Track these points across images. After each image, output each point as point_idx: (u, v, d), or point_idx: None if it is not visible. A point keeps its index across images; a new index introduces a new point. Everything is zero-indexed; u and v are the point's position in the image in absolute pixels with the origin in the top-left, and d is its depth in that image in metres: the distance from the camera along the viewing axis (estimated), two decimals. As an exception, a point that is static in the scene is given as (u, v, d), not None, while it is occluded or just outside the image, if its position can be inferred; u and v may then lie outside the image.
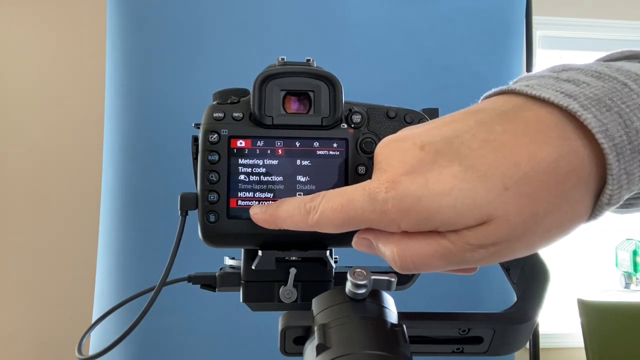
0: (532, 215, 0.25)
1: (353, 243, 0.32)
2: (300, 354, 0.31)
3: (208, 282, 0.42)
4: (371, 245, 0.31)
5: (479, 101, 0.30)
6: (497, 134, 0.26)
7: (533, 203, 0.25)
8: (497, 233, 0.26)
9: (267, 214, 0.34)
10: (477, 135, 0.26)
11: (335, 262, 0.39)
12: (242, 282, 0.39)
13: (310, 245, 0.37)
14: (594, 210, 0.27)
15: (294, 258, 0.37)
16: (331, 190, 0.31)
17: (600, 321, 1.57)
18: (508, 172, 0.25)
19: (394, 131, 0.38)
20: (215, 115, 0.37)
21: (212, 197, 0.36)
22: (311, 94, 0.37)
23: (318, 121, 0.37)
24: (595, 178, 0.26)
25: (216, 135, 0.36)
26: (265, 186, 0.36)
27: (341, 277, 0.34)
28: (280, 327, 0.31)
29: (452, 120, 0.28)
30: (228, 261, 0.42)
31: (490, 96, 0.30)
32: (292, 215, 0.32)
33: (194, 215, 0.37)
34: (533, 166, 0.25)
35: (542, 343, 1.39)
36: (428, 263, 0.28)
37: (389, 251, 0.29)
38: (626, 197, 0.26)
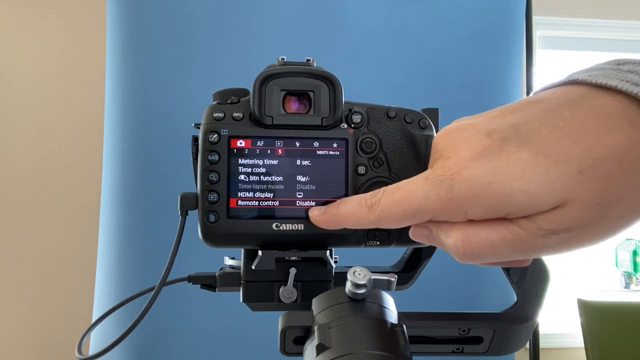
0: (607, 199, 0.25)
1: (410, 232, 0.32)
2: (300, 354, 0.31)
3: (208, 282, 0.42)
4: (430, 235, 0.30)
5: (530, 95, 0.30)
6: (566, 120, 0.26)
7: (607, 187, 0.25)
8: (571, 217, 0.26)
9: (327, 214, 0.34)
10: (545, 122, 0.27)
11: (335, 262, 0.39)
12: (242, 282, 0.39)
13: (310, 245, 0.37)
14: None
15: (294, 258, 0.37)
16: (391, 185, 0.30)
17: (600, 321, 1.57)
18: (582, 156, 0.25)
19: (394, 131, 0.38)
20: (215, 115, 0.37)
21: (212, 197, 0.36)
22: (311, 94, 0.37)
23: (318, 121, 0.37)
24: None
25: (216, 135, 0.36)
26: (265, 186, 0.36)
27: (341, 277, 0.34)
28: (280, 327, 0.31)
29: (514, 109, 0.28)
30: (228, 261, 0.42)
31: (545, 90, 0.30)
32: (353, 212, 0.32)
33: (194, 215, 0.37)
34: (606, 151, 0.25)
35: (542, 343, 1.39)
36: (495, 250, 0.27)
37: (452, 239, 0.28)
38: None
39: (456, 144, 0.28)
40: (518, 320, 0.33)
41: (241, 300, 0.39)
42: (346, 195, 0.36)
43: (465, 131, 0.29)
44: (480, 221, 0.28)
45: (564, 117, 0.26)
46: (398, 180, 0.31)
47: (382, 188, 0.31)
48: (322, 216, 0.35)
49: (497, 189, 0.26)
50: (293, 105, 0.37)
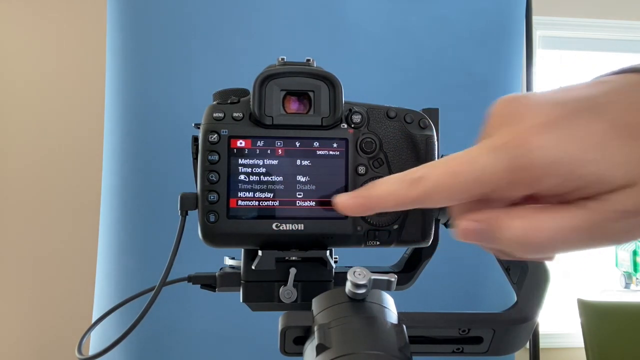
0: None
1: (460, 231, 0.27)
2: (300, 354, 0.31)
3: (208, 282, 0.42)
4: (483, 233, 0.26)
5: (594, 79, 0.29)
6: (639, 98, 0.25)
7: None
8: None
9: (359, 197, 0.30)
10: (619, 99, 0.25)
11: (335, 262, 0.39)
12: (242, 282, 0.39)
13: (310, 245, 0.37)
14: None
15: (294, 258, 0.37)
16: (433, 161, 0.28)
17: (600, 321, 1.57)
18: None
19: (394, 131, 0.38)
20: (215, 115, 0.37)
21: (212, 197, 0.36)
22: (311, 94, 0.37)
23: (318, 121, 0.37)
24: None
25: (216, 135, 0.36)
26: (265, 186, 0.36)
27: (341, 277, 0.34)
28: (280, 327, 0.31)
29: (583, 86, 0.26)
30: (228, 261, 0.42)
31: (606, 75, 0.28)
32: (392, 191, 0.28)
33: (194, 215, 0.37)
34: None
35: (542, 343, 1.39)
36: (566, 240, 0.25)
37: (515, 230, 0.25)
38: None
39: (523, 111, 0.26)
40: (518, 320, 0.33)
41: (241, 300, 0.39)
42: None
43: (532, 99, 0.26)
44: (546, 207, 0.25)
45: (636, 96, 0.25)
46: None
47: (422, 165, 0.28)
48: (352, 201, 0.30)
49: (569, 159, 0.24)
50: (293, 105, 0.37)
